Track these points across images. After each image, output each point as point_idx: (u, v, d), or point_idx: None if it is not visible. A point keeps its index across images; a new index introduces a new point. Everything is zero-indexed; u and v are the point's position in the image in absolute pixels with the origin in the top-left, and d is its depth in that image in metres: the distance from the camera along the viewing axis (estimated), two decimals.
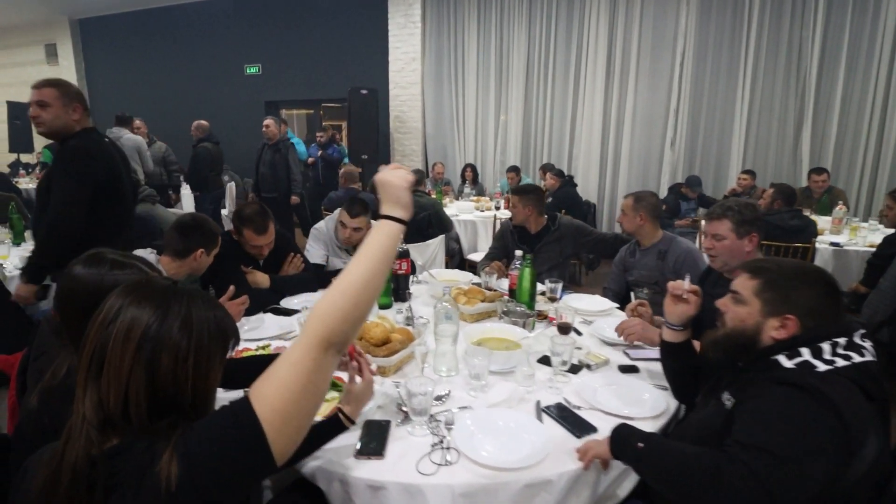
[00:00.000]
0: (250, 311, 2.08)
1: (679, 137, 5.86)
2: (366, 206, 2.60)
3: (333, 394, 1.39)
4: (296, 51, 7.62)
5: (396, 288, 2.27)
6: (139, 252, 1.91)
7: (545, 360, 1.64)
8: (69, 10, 8.98)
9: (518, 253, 2.14)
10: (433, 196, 4.96)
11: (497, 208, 5.26)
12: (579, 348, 1.72)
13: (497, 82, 6.60)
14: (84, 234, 1.98)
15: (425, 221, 4.33)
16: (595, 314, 2.10)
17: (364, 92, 6.48)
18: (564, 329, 1.84)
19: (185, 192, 6.20)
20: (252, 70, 7.96)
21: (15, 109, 9.17)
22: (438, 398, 1.41)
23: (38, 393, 1.03)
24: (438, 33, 6.77)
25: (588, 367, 1.65)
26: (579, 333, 1.92)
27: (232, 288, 2.05)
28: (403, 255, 2.28)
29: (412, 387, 1.24)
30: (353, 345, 1.21)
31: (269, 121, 5.26)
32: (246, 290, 2.13)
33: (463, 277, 2.51)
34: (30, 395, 1.53)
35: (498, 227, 4.42)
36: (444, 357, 1.57)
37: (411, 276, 2.39)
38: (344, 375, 1.26)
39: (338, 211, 2.71)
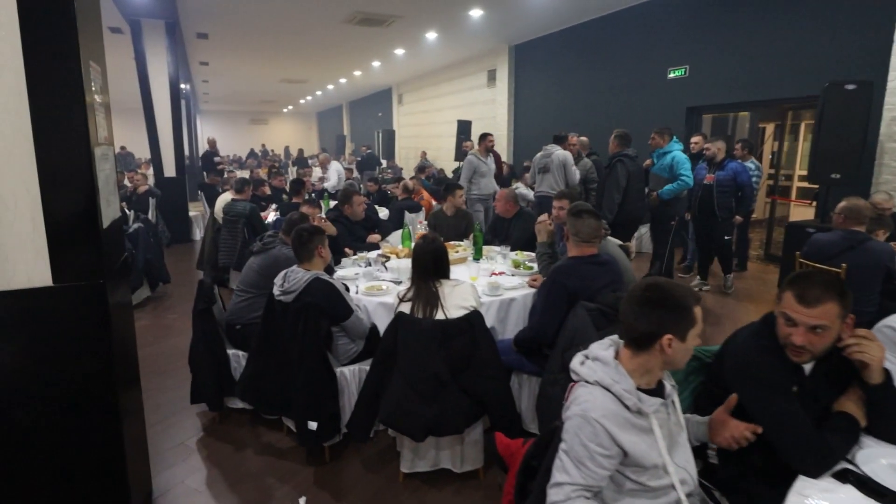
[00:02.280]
0: None
1: None
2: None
3: None
4: (737, 45, 6.33)
5: None
6: (596, 347, 1.35)
7: None
8: (509, 37, 10.31)
9: None
10: None
11: None
12: None
13: None
14: None
15: None
16: None
17: (850, 87, 4.69)
18: None
19: None
20: (677, 73, 7.13)
21: (462, 126, 11.32)
22: None
23: None
24: None
25: None
26: None
27: None
28: None
29: None
30: None
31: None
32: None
33: None
34: None
35: None
36: None
37: None
38: None
39: None
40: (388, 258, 3.38)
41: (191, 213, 8.72)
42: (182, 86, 13.35)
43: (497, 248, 3.75)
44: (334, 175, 8.54)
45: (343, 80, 15.67)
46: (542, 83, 10.04)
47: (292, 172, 14.44)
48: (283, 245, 3.03)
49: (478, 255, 3.65)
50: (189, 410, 2.98)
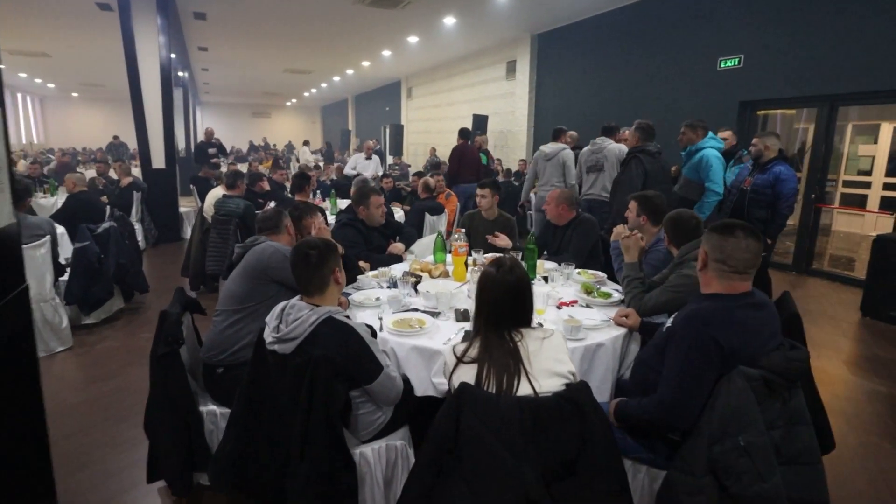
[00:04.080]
0: None
1: None
2: None
3: None
4: (801, 31, 5.53)
5: None
6: None
7: None
8: (532, 26, 9.49)
9: None
10: None
11: None
12: None
13: None
14: None
15: None
16: None
17: None
18: None
19: None
20: (729, 63, 6.32)
21: (477, 121, 10.51)
22: None
23: None
24: None
25: None
26: None
27: None
28: None
29: None
30: None
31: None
32: None
33: None
34: None
35: None
36: None
37: None
38: None
39: None
40: (418, 278, 2.57)
41: (182, 209, 7.91)
42: (180, 73, 12.54)
43: (554, 265, 2.94)
44: (378, 165, 8.97)
45: (350, 72, 14.86)
46: (567, 75, 9.22)
47: (294, 168, 13.64)
48: (269, 240, 2.28)
49: (531, 275, 2.84)
50: (148, 486, 2.19)
